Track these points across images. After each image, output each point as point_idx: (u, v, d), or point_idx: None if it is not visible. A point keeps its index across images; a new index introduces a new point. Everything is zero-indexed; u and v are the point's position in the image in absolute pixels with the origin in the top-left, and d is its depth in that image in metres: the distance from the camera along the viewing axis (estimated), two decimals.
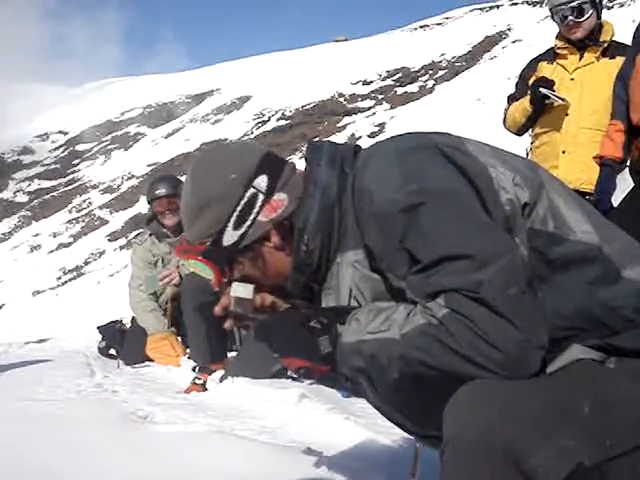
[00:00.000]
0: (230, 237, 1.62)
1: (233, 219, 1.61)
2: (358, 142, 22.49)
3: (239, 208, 1.61)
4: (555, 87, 4.24)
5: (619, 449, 1.26)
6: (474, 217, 1.42)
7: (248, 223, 1.62)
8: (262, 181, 1.62)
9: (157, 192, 5.49)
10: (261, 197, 1.62)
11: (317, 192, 1.61)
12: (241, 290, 1.65)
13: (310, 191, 1.62)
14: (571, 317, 1.42)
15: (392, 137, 1.66)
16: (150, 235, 5.64)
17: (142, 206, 25.04)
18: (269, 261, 1.66)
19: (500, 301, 1.33)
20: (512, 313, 1.33)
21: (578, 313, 1.42)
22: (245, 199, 1.61)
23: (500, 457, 1.26)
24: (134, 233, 18.05)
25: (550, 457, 1.24)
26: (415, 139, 1.59)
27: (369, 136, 22.27)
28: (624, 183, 3.75)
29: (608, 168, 3.69)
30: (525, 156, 4.35)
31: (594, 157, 3.79)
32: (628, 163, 3.66)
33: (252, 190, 1.62)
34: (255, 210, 1.61)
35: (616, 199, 3.66)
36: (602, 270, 1.46)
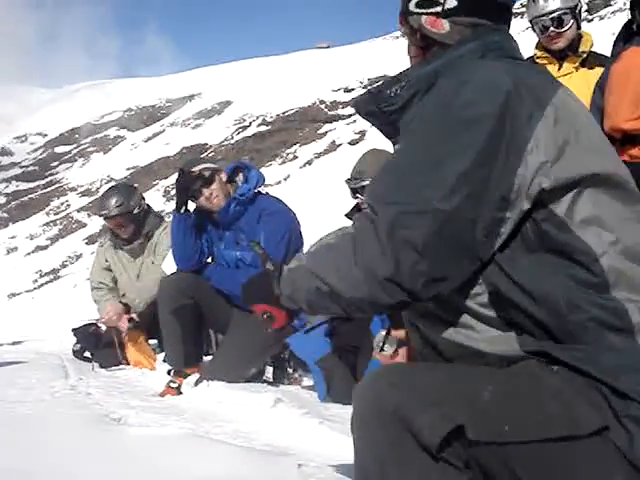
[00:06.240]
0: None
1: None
2: (339, 150, 22.53)
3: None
4: None
5: (519, 437, 1.33)
6: (469, 162, 1.41)
7: (418, 11, 1.68)
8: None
9: (104, 212, 5.51)
10: (438, 9, 1.66)
11: (454, 54, 1.62)
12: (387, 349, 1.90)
13: (455, 47, 1.64)
14: (533, 297, 1.41)
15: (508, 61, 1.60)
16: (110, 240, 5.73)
17: None
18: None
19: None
20: (423, 244, 1.39)
21: (542, 297, 1.41)
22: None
23: (392, 422, 1.36)
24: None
25: (433, 419, 1.32)
26: (511, 75, 1.49)
27: (350, 143, 22.28)
28: None
29: None
30: None
31: None
32: None
33: None
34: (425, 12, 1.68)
35: None
36: (590, 276, 1.41)
